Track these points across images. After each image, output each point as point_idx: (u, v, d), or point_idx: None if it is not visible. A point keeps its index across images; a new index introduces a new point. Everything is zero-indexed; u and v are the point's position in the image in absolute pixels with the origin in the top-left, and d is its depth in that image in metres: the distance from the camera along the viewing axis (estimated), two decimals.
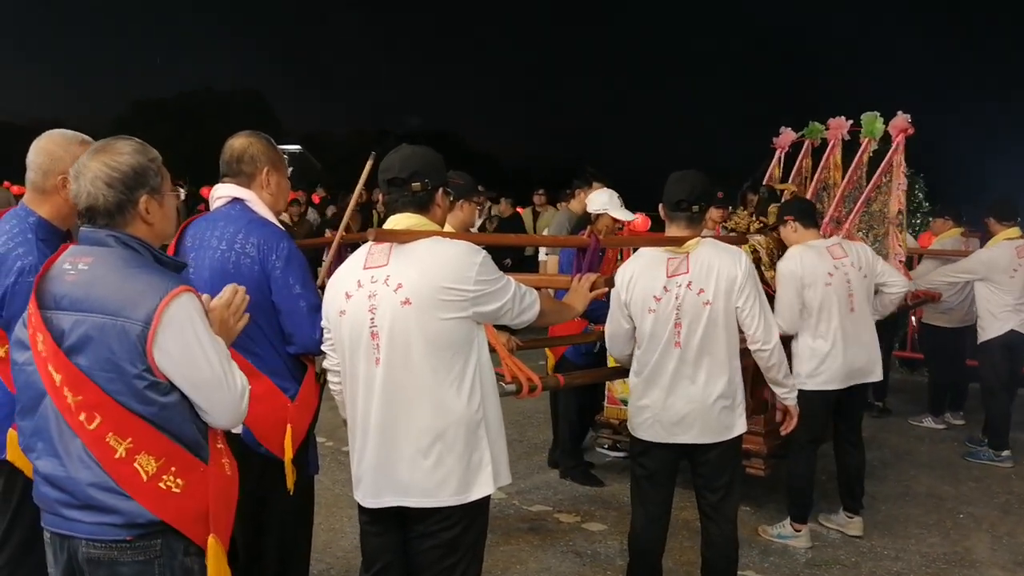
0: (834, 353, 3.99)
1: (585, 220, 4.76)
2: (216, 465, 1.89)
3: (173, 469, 1.80)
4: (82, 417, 1.76)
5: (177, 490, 1.80)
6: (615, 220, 4.52)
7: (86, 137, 2.54)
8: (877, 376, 4.19)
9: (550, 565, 3.89)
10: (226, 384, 1.86)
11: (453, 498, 2.20)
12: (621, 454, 5.29)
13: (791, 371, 3.45)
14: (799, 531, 4.13)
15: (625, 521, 4.36)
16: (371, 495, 2.26)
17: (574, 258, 2.81)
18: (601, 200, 4.57)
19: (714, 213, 4.98)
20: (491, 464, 2.24)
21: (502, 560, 3.88)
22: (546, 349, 4.85)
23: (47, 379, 1.79)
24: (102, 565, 1.79)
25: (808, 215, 4.15)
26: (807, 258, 3.98)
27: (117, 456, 1.76)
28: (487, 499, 2.28)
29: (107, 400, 1.75)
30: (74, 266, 1.83)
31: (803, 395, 4.02)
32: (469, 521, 2.25)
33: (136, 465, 1.77)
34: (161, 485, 1.79)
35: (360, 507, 2.34)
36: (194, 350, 1.79)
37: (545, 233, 8.07)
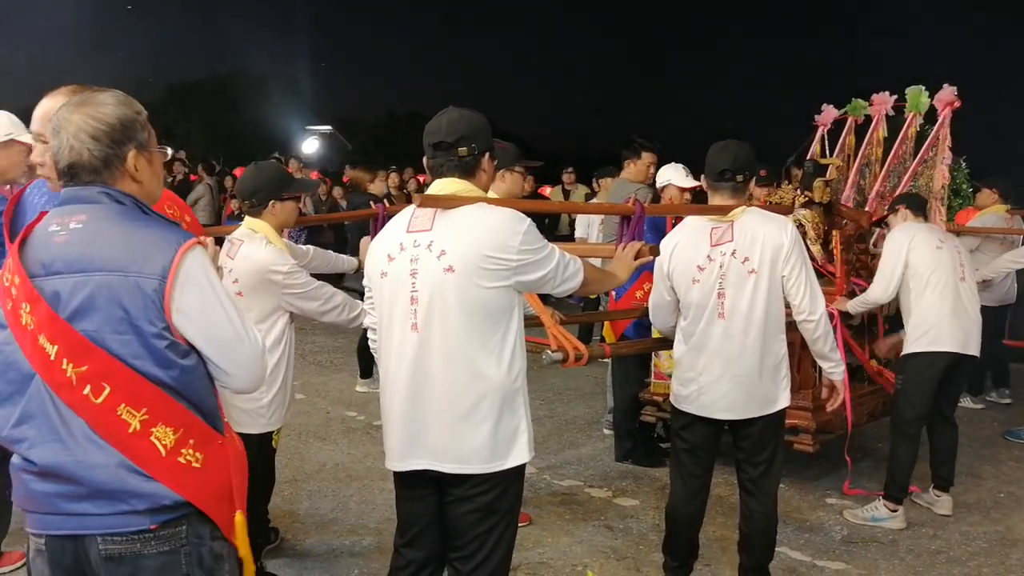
0: (946, 313, 3.97)
1: (654, 196, 4.76)
2: (231, 438, 1.76)
3: (191, 442, 1.64)
4: (87, 390, 1.57)
5: (197, 464, 1.64)
6: (682, 190, 4.52)
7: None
8: (976, 350, 4.10)
9: (582, 539, 3.88)
10: (248, 340, 1.71)
11: (491, 464, 2.18)
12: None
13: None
14: (895, 512, 4.06)
15: (657, 496, 4.36)
16: (397, 458, 2.26)
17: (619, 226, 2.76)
18: (666, 174, 4.63)
19: (757, 191, 4.89)
20: (527, 432, 2.23)
21: (533, 534, 3.87)
22: (606, 324, 4.81)
23: (36, 355, 1.59)
24: (123, 562, 1.60)
25: (920, 207, 4.26)
26: (917, 228, 4.09)
27: (131, 430, 1.59)
28: (523, 467, 2.27)
29: (118, 367, 1.58)
30: (63, 227, 1.64)
31: (912, 362, 4.03)
32: (506, 486, 2.24)
33: (153, 439, 1.60)
34: (180, 460, 1.62)
35: (394, 473, 2.34)
36: (213, 305, 1.66)
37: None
